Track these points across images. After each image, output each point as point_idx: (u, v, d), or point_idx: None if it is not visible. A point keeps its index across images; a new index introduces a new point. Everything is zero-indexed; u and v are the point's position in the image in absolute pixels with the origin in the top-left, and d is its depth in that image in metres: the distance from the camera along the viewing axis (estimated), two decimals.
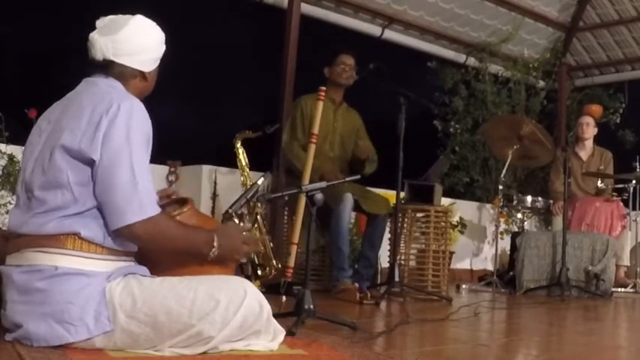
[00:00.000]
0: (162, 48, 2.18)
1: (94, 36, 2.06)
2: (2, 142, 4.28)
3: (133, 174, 1.91)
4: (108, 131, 1.91)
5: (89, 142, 1.91)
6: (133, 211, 1.90)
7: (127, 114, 1.94)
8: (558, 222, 5.79)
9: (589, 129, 6.23)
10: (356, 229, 5.56)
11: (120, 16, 2.09)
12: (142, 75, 2.13)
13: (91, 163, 1.92)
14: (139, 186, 1.92)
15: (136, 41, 2.07)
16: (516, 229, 6.70)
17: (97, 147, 1.90)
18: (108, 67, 2.06)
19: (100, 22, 2.09)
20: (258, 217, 3.25)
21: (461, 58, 7.62)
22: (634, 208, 5.92)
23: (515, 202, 6.01)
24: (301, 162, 4.18)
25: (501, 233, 6.76)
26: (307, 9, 6.16)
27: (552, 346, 2.92)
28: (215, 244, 2.05)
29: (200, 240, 2.05)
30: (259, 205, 3.20)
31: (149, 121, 2.01)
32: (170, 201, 2.27)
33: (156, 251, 2.08)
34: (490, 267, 6.91)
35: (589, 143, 6.30)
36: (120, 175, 1.90)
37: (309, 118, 4.53)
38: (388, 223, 4.69)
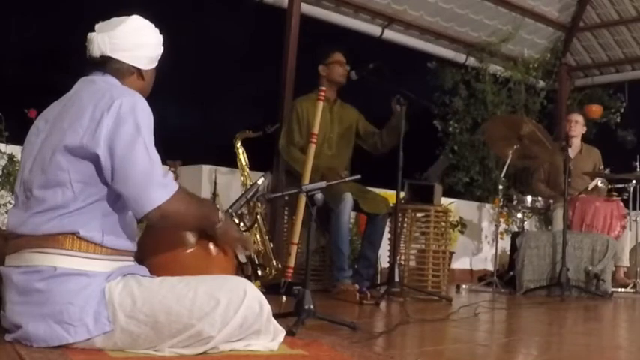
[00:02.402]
0: (160, 49, 2.19)
1: (92, 34, 2.08)
2: (2, 142, 4.28)
3: (150, 157, 1.94)
4: (116, 127, 1.92)
5: (91, 138, 1.92)
6: (159, 191, 1.93)
7: (131, 107, 1.95)
8: (558, 222, 5.78)
9: (577, 127, 6.18)
10: (356, 229, 5.56)
11: (118, 17, 2.11)
12: (139, 72, 2.13)
13: (94, 158, 1.93)
14: (158, 167, 1.96)
15: (133, 37, 2.08)
16: (516, 229, 6.69)
17: (99, 142, 1.91)
18: (105, 64, 2.07)
19: (99, 24, 2.11)
20: (258, 217, 3.26)
21: (461, 58, 7.61)
22: (634, 208, 5.91)
23: (515, 202, 6.00)
24: (300, 165, 4.18)
25: (501, 233, 6.75)
26: (307, 9, 6.16)
27: (552, 346, 2.91)
28: (220, 213, 2.16)
29: (210, 207, 2.18)
30: (259, 205, 3.20)
31: (151, 113, 2.02)
32: None
33: (169, 228, 2.13)
34: (490, 267, 6.90)
35: (576, 141, 6.21)
36: (138, 162, 1.92)
37: (305, 120, 4.53)
38: (388, 223, 4.69)
